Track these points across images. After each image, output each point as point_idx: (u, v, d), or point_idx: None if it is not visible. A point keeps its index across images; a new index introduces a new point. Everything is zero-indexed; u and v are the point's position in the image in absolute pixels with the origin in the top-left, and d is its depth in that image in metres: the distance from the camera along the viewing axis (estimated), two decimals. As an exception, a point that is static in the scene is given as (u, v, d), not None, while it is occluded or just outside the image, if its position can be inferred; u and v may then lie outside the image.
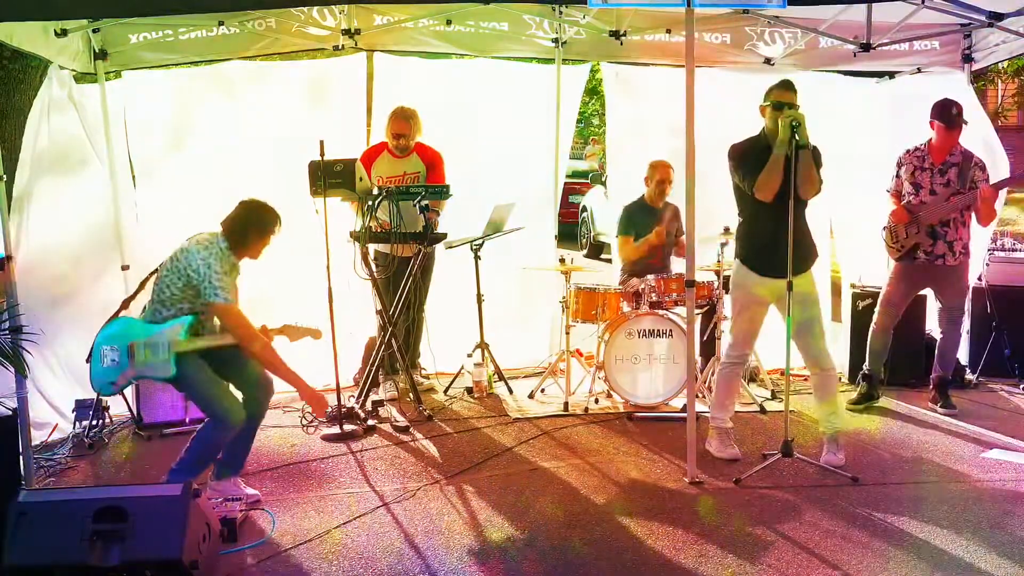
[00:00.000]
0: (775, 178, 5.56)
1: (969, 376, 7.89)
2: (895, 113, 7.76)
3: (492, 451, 6.26)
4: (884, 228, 7.16)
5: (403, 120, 7.28)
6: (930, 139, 7.02)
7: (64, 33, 6.55)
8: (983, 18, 7.42)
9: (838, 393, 6.02)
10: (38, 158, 6.65)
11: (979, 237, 7.55)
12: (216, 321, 5.28)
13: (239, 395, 5.33)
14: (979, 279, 8.03)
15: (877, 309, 7.29)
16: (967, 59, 8.24)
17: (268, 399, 5.51)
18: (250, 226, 5.23)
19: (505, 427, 6.80)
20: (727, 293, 6.99)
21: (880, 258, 7.55)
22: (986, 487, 5.59)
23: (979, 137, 7.90)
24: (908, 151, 7.12)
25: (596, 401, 7.26)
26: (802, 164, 5.48)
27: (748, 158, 5.73)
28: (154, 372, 5.10)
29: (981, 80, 19.69)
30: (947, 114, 6.87)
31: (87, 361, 5.23)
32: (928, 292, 7.39)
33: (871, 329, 7.32)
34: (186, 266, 5.06)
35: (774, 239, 5.60)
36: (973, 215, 6.94)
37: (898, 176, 7.15)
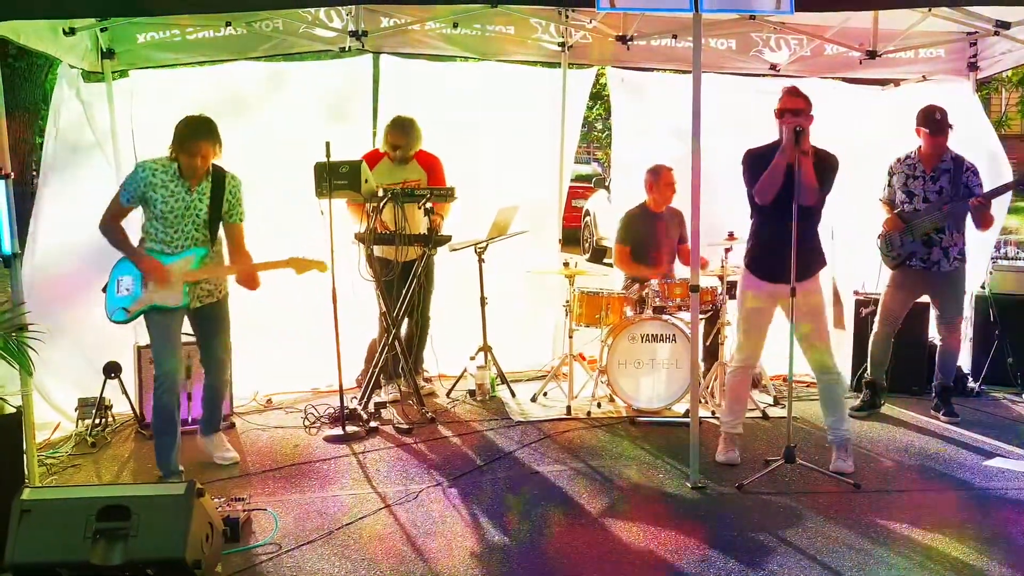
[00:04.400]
0: (773, 183, 5.58)
1: (972, 384, 7.88)
2: (900, 121, 7.73)
3: (494, 454, 6.26)
4: (879, 237, 7.16)
5: (400, 131, 7.27)
6: (919, 146, 7.02)
7: (72, 32, 6.56)
8: (990, 27, 7.44)
9: (844, 400, 6.03)
10: (51, 157, 6.71)
11: (979, 244, 7.54)
12: (224, 254, 5.72)
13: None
14: (982, 287, 8.04)
15: (876, 319, 7.29)
16: (972, 67, 8.26)
17: (221, 372, 5.96)
18: (173, 140, 5.47)
19: (507, 430, 6.80)
20: (731, 298, 7.00)
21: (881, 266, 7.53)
22: (988, 495, 5.59)
23: (983, 146, 7.92)
24: (899, 159, 7.12)
25: (599, 405, 7.26)
26: (802, 171, 5.49)
27: (757, 162, 5.73)
28: (165, 300, 5.42)
29: (985, 89, 19.71)
30: (931, 120, 6.86)
31: (103, 290, 5.50)
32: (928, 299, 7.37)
33: (871, 339, 7.31)
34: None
35: (776, 245, 5.61)
36: (969, 221, 6.94)
37: (890, 185, 7.15)
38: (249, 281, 5.69)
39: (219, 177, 5.59)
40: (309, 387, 7.69)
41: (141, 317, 5.51)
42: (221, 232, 5.69)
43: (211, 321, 5.76)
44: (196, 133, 5.42)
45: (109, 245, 5.52)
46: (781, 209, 5.53)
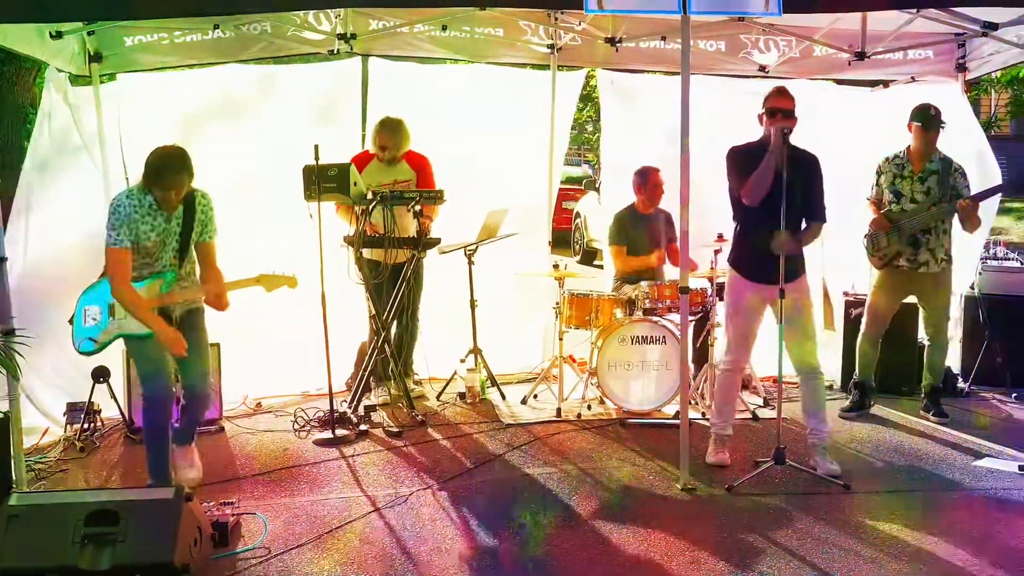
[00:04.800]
0: (763, 184, 5.57)
1: (961, 384, 7.90)
2: (889, 122, 7.75)
3: (484, 457, 6.25)
4: (865, 236, 7.17)
5: (388, 132, 7.26)
6: (909, 145, 7.02)
7: (59, 35, 6.54)
8: (977, 28, 7.46)
9: (825, 401, 6.04)
10: (39, 162, 6.68)
11: (968, 244, 7.56)
12: (196, 278, 5.48)
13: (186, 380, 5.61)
14: (971, 288, 8.06)
15: (863, 320, 7.30)
16: (961, 68, 8.29)
17: (202, 384, 5.60)
18: (146, 173, 5.19)
19: (497, 433, 6.79)
20: (720, 300, 7.01)
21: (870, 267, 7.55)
22: (977, 496, 5.60)
23: (972, 147, 7.93)
24: (887, 159, 7.13)
25: (589, 407, 7.25)
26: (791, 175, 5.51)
27: (742, 161, 5.74)
28: (132, 328, 5.25)
29: (974, 90, 19.75)
30: (925, 115, 6.87)
31: (69, 322, 5.38)
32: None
33: (859, 340, 7.33)
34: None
35: (765, 245, 5.61)
36: (956, 222, 6.94)
37: (878, 184, 7.16)
38: (217, 301, 5.47)
39: (190, 199, 5.34)
40: (299, 390, 7.67)
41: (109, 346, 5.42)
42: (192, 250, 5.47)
43: (187, 330, 5.43)
44: (169, 168, 5.14)
45: (98, 251, 5.46)
46: (770, 210, 5.53)
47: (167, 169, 5.14)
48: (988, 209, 7.35)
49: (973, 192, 6.89)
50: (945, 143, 6.98)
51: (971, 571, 4.53)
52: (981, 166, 7.82)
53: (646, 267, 7.54)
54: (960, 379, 7.96)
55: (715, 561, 4.62)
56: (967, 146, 7.81)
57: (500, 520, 5.17)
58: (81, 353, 5.40)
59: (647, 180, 7.62)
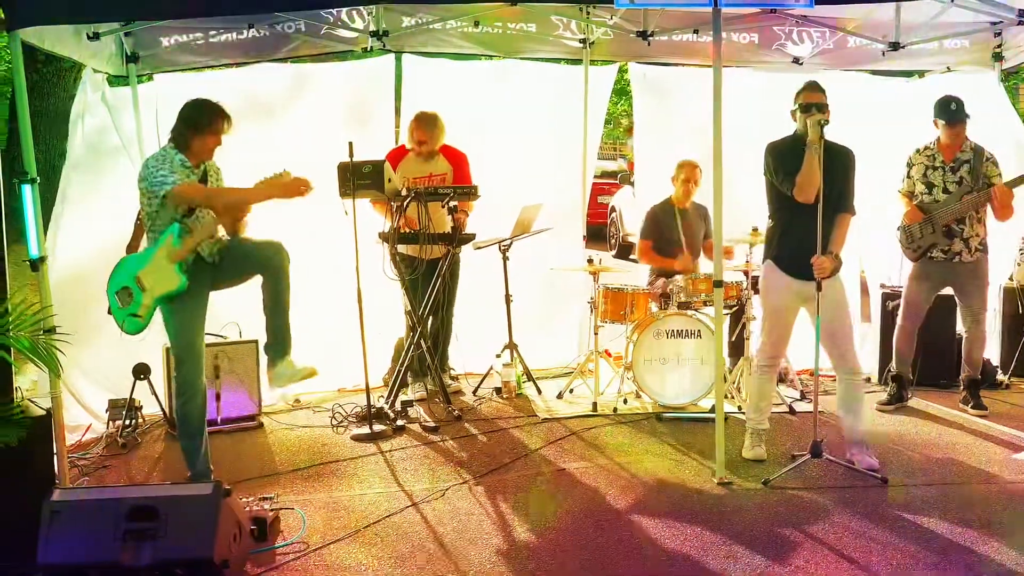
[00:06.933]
0: (812, 181, 5.53)
1: (1001, 376, 7.83)
2: (925, 113, 7.69)
3: (520, 451, 6.27)
4: (899, 229, 7.12)
5: (424, 126, 7.28)
6: (938, 137, 6.98)
7: (96, 36, 6.61)
8: (1013, 16, 7.35)
9: (864, 400, 6.00)
10: (75, 161, 6.76)
11: (1003, 234, 7.48)
12: (205, 218, 5.38)
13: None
14: (1010, 279, 7.98)
15: (900, 312, 7.25)
16: (997, 57, 8.19)
17: (275, 268, 5.49)
18: (184, 124, 5.30)
19: (533, 427, 6.81)
20: (755, 293, 6.98)
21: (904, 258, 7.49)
22: (1017, 489, 5.54)
23: (1010, 137, 7.86)
24: (917, 150, 7.09)
25: (625, 401, 7.26)
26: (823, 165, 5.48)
27: (787, 158, 5.70)
28: (166, 288, 5.26)
29: (1013, 79, 19.48)
30: (946, 110, 6.86)
31: (109, 313, 5.39)
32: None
33: (895, 333, 7.28)
34: (141, 180, 5.28)
35: (807, 240, 5.58)
36: (989, 210, 6.89)
37: (909, 176, 7.11)
38: (236, 214, 5.50)
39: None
40: (336, 386, 7.71)
41: (155, 320, 5.40)
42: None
43: (236, 259, 5.50)
44: (215, 111, 5.31)
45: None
46: (812, 204, 5.51)
47: (215, 112, 5.28)
48: (1022, 198, 7.26)
49: (1006, 180, 6.83)
50: (982, 133, 6.92)
51: (1010, 566, 4.49)
52: (1021, 156, 7.74)
53: (668, 268, 7.54)
54: (999, 371, 7.89)
55: (752, 555, 4.61)
56: (1005, 136, 7.74)
57: (536, 514, 5.19)
58: (131, 334, 5.37)
59: (680, 173, 7.64)
